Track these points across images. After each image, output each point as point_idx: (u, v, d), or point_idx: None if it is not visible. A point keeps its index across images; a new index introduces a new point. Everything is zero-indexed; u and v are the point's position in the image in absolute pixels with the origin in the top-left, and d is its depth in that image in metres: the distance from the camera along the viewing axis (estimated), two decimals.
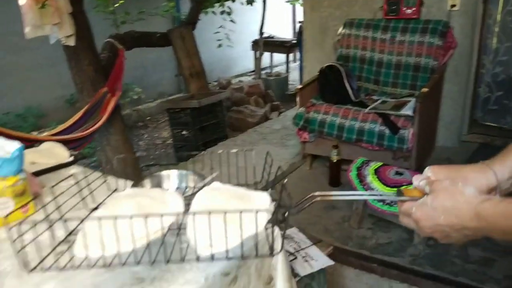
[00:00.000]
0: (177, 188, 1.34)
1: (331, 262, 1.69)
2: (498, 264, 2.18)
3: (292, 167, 3.51)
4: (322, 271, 1.79)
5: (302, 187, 3.09)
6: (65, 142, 3.11)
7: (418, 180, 0.83)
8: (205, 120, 4.79)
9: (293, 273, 1.59)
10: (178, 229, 1.11)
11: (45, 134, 3.44)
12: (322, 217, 2.64)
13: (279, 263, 1.19)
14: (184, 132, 4.78)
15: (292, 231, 1.89)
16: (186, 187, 1.33)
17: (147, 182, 1.32)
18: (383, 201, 2.21)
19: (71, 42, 3.26)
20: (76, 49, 3.46)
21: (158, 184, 1.33)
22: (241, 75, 8.90)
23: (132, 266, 1.02)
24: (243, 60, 8.87)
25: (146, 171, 4.82)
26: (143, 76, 6.77)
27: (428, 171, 0.83)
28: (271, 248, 1.09)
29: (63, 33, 3.19)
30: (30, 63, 5.48)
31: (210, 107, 4.78)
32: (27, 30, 2.98)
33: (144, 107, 6.57)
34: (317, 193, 0.93)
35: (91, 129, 3.31)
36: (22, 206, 1.26)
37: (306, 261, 1.67)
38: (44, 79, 5.66)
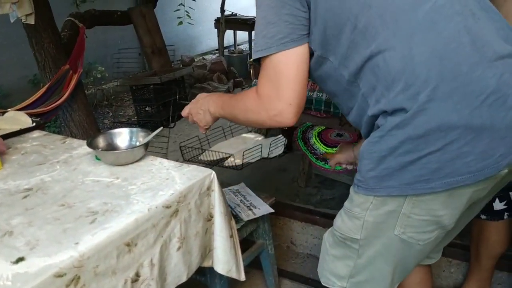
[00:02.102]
0: (129, 142, 1.53)
1: (271, 210, 1.92)
2: None
3: None
4: (266, 220, 2.02)
5: None
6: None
7: None
8: (168, 96, 4.92)
9: (237, 219, 1.82)
10: None
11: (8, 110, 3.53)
12: (274, 178, 2.87)
13: (216, 203, 1.41)
14: (147, 108, 4.92)
15: (240, 186, 2.11)
16: (136, 141, 1.52)
17: (101, 139, 1.50)
18: (325, 160, 2.45)
19: (31, 20, 3.33)
20: (37, 27, 3.52)
21: (111, 140, 1.51)
22: (206, 53, 9.00)
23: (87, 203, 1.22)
24: (206, 38, 8.97)
25: None
26: (107, 55, 6.82)
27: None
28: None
29: (22, 11, 3.26)
30: None
31: (172, 84, 4.92)
32: None
33: (109, 86, 6.64)
34: None
35: (54, 105, 3.42)
36: None
37: (250, 209, 1.89)
38: (6, 59, 5.65)
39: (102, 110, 6.11)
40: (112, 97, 6.56)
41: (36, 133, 1.82)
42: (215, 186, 1.39)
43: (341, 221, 1.20)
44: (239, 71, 6.91)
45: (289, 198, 2.64)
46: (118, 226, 1.10)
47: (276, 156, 1.89)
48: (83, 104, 3.91)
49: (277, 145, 1.90)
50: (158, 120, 4.90)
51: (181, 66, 6.89)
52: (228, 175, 2.40)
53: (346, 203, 1.19)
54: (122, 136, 1.54)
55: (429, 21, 0.98)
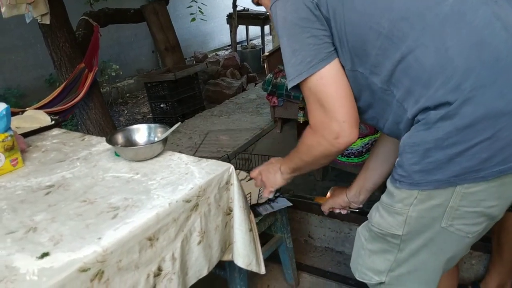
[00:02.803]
0: (147, 138, 1.54)
1: (289, 204, 1.91)
2: None
3: (263, 132, 3.72)
4: (284, 213, 2.02)
5: (272, 149, 3.30)
6: None
7: None
8: (182, 93, 4.96)
9: (256, 213, 1.82)
10: None
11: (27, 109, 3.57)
12: None
13: (235, 197, 1.41)
14: (162, 105, 4.95)
15: None
16: (154, 137, 1.53)
17: (120, 135, 1.51)
18: (341, 153, 2.44)
19: (47, 20, 3.36)
20: (52, 27, 3.56)
21: (130, 136, 1.52)
22: (218, 49, 9.03)
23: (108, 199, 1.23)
24: (219, 34, 8.99)
25: None
26: (120, 54, 6.88)
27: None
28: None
29: (38, 11, 3.30)
30: (7, 44, 5.55)
31: (186, 80, 4.94)
32: (3, 10, 3.08)
33: (123, 84, 6.69)
34: None
35: (70, 103, 3.47)
36: (12, 160, 1.45)
37: (268, 203, 1.89)
38: (22, 60, 5.74)
39: (117, 108, 6.17)
40: (127, 94, 6.61)
41: (55, 131, 1.84)
42: (234, 180, 1.40)
43: (380, 216, 1.15)
44: (252, 66, 6.92)
45: (306, 191, 2.64)
46: (139, 221, 1.11)
47: (266, 200, 1.87)
48: (99, 102, 3.95)
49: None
50: (173, 116, 4.93)
51: (194, 62, 6.92)
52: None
53: (384, 198, 1.14)
54: (141, 132, 1.55)
55: (456, 12, 0.96)
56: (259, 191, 1.85)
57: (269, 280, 2.24)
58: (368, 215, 1.23)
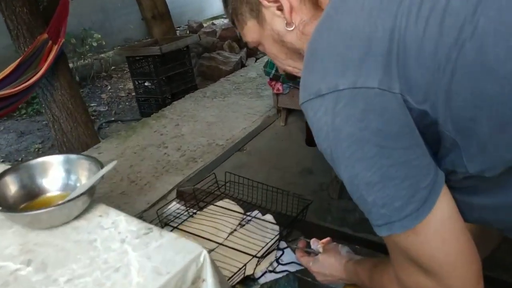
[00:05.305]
0: (63, 182, 0.89)
1: (299, 267, 1.29)
2: None
3: (263, 124, 3.07)
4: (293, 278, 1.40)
5: (276, 147, 2.66)
6: None
7: (314, 245, 1.17)
8: (171, 69, 4.28)
9: (252, 277, 1.20)
10: None
11: None
12: (297, 183, 2.23)
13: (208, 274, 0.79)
14: (147, 83, 4.28)
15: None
16: (75, 181, 0.89)
17: (12, 179, 0.86)
18: None
19: None
20: None
21: (30, 181, 0.88)
22: (217, 17, 8.26)
23: None
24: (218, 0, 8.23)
25: (105, 128, 4.23)
26: (105, 21, 6.14)
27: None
28: None
29: None
30: None
31: (175, 54, 4.25)
32: None
33: (108, 55, 5.98)
34: None
35: (27, 83, 2.81)
36: None
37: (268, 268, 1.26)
38: None
39: (100, 83, 5.48)
40: (112, 67, 5.91)
41: None
42: (208, 274, 0.77)
43: None
44: None
45: (318, 214, 2.01)
46: None
47: (264, 274, 1.25)
48: (67, 81, 3.28)
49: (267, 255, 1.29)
50: (160, 97, 4.27)
51: (188, 32, 6.19)
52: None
53: None
54: (52, 172, 0.89)
55: None
56: (257, 261, 1.22)
57: None
58: None
